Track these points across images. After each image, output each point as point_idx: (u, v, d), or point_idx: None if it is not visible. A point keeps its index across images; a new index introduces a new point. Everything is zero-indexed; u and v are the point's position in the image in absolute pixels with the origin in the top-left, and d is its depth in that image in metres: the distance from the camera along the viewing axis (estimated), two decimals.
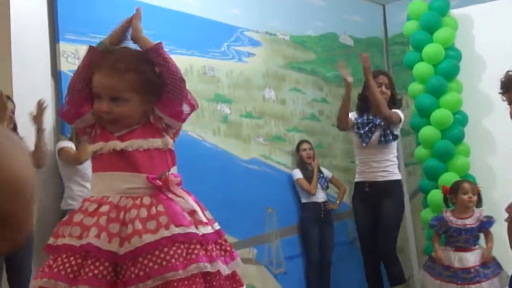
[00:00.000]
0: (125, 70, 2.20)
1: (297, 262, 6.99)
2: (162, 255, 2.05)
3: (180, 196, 2.32)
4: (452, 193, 5.66)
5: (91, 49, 2.29)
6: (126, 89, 2.21)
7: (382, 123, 4.92)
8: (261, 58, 7.06)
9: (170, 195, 2.28)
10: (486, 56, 7.00)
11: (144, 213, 2.12)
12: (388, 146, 5.16)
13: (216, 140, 6.57)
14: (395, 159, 5.05)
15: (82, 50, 5.69)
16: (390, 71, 7.87)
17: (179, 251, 2.09)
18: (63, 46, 5.53)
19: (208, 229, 2.23)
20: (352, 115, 5.07)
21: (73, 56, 5.59)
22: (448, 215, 5.58)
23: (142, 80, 2.24)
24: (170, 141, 2.44)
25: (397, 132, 5.17)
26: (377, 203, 4.87)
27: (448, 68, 6.72)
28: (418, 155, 6.79)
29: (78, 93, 2.24)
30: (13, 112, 4.72)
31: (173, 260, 2.06)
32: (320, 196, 7.00)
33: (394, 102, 5.23)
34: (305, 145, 7.13)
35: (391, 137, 4.94)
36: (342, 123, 5.37)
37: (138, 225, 2.07)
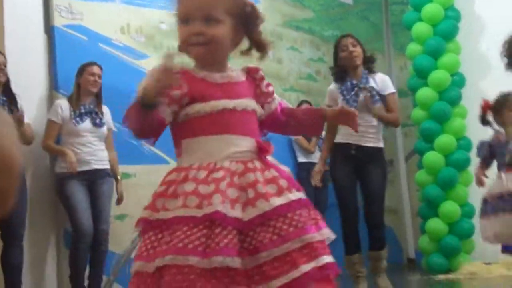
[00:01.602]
0: None
1: None
2: (296, 218, 1.89)
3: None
4: (497, 110, 4.69)
5: None
6: (221, 8, 1.98)
7: (368, 85, 4.84)
8: None
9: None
10: (485, 17, 6.93)
11: (261, 176, 1.94)
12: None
13: None
14: (381, 125, 4.97)
15: (76, 4, 5.64)
16: (389, 31, 7.80)
17: (306, 214, 1.94)
18: (56, 0, 5.44)
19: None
20: (334, 87, 4.94)
21: (66, 10, 5.51)
22: (497, 137, 4.71)
23: (237, 4, 2.03)
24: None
25: (388, 90, 5.02)
26: (362, 167, 4.81)
27: (447, 28, 6.65)
28: (415, 116, 6.76)
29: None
30: (4, 65, 4.66)
31: (307, 223, 1.92)
32: (317, 156, 6.99)
33: (370, 60, 5.02)
34: (305, 105, 7.11)
35: (378, 98, 4.86)
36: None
37: (262, 189, 1.90)
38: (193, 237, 1.83)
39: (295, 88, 7.35)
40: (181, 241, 1.84)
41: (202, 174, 1.91)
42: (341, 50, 4.94)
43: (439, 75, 6.54)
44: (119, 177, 5.31)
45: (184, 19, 2.00)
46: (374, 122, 4.89)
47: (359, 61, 4.91)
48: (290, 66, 7.35)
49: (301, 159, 6.99)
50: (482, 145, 4.79)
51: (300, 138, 6.95)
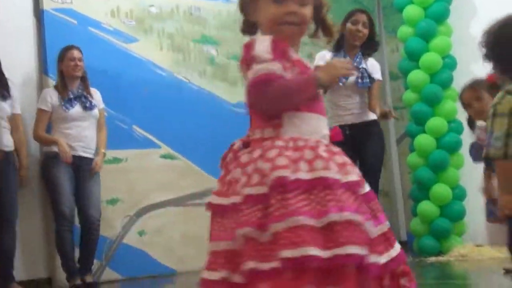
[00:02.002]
0: None
1: None
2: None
3: None
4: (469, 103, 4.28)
5: None
6: None
7: (360, 66, 4.79)
8: None
9: None
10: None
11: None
12: (366, 90, 4.92)
13: (202, 83, 6.49)
14: (365, 99, 4.90)
15: None
16: (380, 14, 7.76)
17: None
18: None
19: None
20: (327, 54, 4.86)
21: None
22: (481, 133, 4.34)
23: None
24: None
25: (377, 76, 4.99)
26: (359, 145, 4.76)
27: (439, 11, 6.62)
28: (406, 99, 6.74)
29: None
30: None
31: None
32: None
33: (372, 46, 4.94)
34: None
35: (368, 80, 4.82)
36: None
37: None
38: (351, 200, 1.73)
39: None
40: (343, 201, 1.71)
41: (323, 147, 1.82)
42: (351, 22, 4.88)
43: (430, 58, 6.52)
44: (102, 151, 5.24)
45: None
46: (358, 98, 4.85)
47: (358, 43, 4.87)
48: None
49: None
50: (472, 147, 4.49)
51: None
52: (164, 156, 6.04)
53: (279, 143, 1.80)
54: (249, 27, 2.03)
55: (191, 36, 6.47)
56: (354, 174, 1.81)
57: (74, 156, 5.04)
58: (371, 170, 4.75)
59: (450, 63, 6.64)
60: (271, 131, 1.87)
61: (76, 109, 5.09)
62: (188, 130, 6.21)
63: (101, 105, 5.30)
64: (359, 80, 4.79)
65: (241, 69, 1.91)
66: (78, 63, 5.12)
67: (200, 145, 6.27)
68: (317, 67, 1.97)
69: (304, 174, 1.72)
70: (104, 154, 5.27)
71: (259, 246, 1.65)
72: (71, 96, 5.09)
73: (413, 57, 6.61)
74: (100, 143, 5.25)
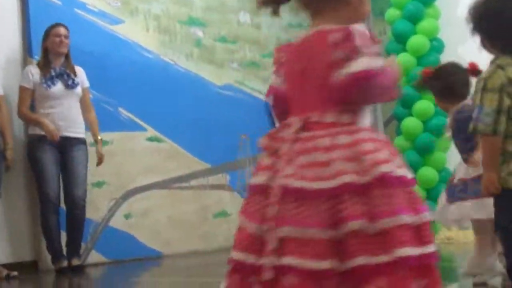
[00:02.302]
0: None
1: None
2: None
3: None
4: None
5: None
6: None
7: None
8: None
9: None
10: None
11: None
12: None
13: (188, 65, 6.46)
14: None
15: None
16: None
17: None
18: None
19: None
20: None
21: None
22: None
23: None
24: None
25: None
26: None
27: None
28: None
29: None
30: None
31: None
32: None
33: None
34: None
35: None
36: None
37: None
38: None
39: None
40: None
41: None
42: None
43: (418, 40, 6.51)
44: (99, 138, 5.23)
45: None
46: None
47: None
48: (268, 31, 7.27)
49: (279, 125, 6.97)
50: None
51: None
52: (150, 139, 6.01)
53: (367, 134, 1.75)
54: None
55: (178, 17, 6.42)
56: None
57: (59, 137, 5.02)
58: None
59: (437, 46, 6.63)
60: (348, 117, 1.76)
61: (58, 87, 5.04)
62: (174, 112, 6.18)
63: (86, 84, 5.25)
64: None
65: (336, 55, 1.74)
66: (64, 40, 5.08)
67: (186, 127, 6.25)
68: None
69: (401, 171, 1.72)
70: (102, 140, 5.25)
71: (369, 239, 1.63)
72: (53, 74, 5.04)
73: (401, 39, 6.60)
74: (93, 129, 5.22)
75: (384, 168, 1.67)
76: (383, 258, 1.62)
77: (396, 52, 6.64)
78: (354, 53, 1.71)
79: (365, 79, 1.71)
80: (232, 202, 6.64)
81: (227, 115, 6.62)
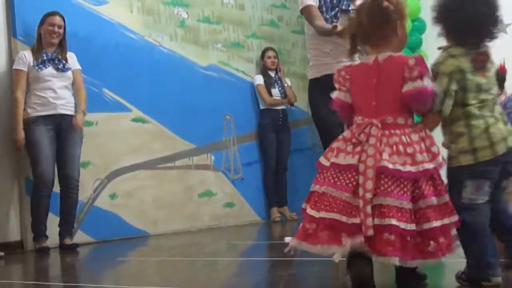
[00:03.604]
0: None
1: (254, 168, 7.06)
2: None
3: None
4: None
5: None
6: None
7: (349, 8, 4.51)
8: None
9: None
10: None
11: None
12: None
13: (172, 46, 6.47)
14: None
15: None
16: None
17: None
18: None
19: None
20: None
21: None
22: None
23: None
24: None
25: None
26: None
27: None
28: None
29: None
30: None
31: None
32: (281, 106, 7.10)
33: None
34: (270, 53, 7.13)
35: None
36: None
37: None
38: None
39: (258, 34, 7.32)
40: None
41: None
42: None
43: None
44: (82, 108, 5.23)
45: None
46: (347, 44, 4.57)
47: None
48: (252, 12, 7.29)
49: (263, 106, 7.02)
50: None
51: (261, 85, 6.99)
52: (135, 120, 6.04)
53: (424, 133, 2.48)
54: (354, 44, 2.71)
55: None
56: None
57: (54, 115, 5.08)
58: None
59: (419, 27, 6.69)
60: (411, 121, 2.51)
61: (49, 70, 5.10)
62: (159, 93, 6.21)
63: (77, 66, 5.29)
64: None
65: (409, 74, 2.45)
66: (57, 29, 5.13)
67: (171, 108, 6.28)
68: None
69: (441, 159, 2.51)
70: (85, 113, 5.26)
71: (437, 208, 2.40)
72: (45, 58, 5.10)
73: None
74: (80, 102, 5.25)
75: (440, 158, 2.44)
76: (445, 221, 2.40)
77: None
78: (423, 74, 2.42)
79: (426, 93, 2.43)
80: (217, 182, 6.69)
81: (212, 96, 6.65)
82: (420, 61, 2.44)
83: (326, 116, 4.26)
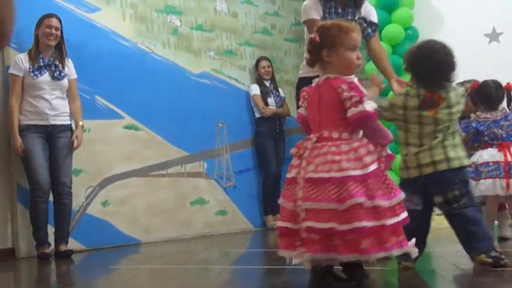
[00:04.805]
0: None
1: (246, 176, 7.06)
2: None
3: None
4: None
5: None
6: None
7: (356, 18, 4.39)
8: None
9: None
10: None
11: None
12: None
13: (165, 53, 6.47)
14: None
15: None
16: None
17: None
18: None
19: None
20: (312, 2, 4.37)
21: None
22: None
23: None
24: None
25: (375, 19, 4.58)
26: None
27: None
28: (368, 70, 6.80)
29: None
30: None
31: None
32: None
33: None
34: (264, 63, 7.16)
35: (370, 30, 4.47)
36: None
37: None
38: None
39: (250, 42, 7.33)
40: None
41: None
42: None
43: (392, 29, 6.58)
44: (80, 123, 5.25)
45: (354, 49, 2.82)
46: None
47: None
48: (245, 20, 7.30)
49: (259, 114, 7.05)
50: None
51: (257, 96, 7.03)
52: (127, 127, 6.02)
53: (357, 143, 2.71)
54: (313, 61, 2.89)
55: (154, 5, 6.43)
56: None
57: (46, 126, 5.07)
58: None
59: (412, 35, 6.71)
60: (346, 135, 2.76)
61: (45, 77, 5.08)
62: (151, 100, 6.20)
63: (74, 75, 5.28)
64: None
65: (345, 97, 2.72)
66: (54, 31, 5.12)
67: (163, 115, 6.27)
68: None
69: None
70: (83, 127, 5.27)
71: (366, 211, 2.61)
72: (41, 64, 5.08)
73: None
74: (76, 116, 5.24)
75: (372, 167, 2.68)
76: (374, 223, 2.61)
77: None
78: (363, 98, 2.68)
79: (368, 115, 2.69)
80: (209, 190, 6.68)
81: (204, 103, 6.65)
82: (354, 86, 2.71)
83: None
